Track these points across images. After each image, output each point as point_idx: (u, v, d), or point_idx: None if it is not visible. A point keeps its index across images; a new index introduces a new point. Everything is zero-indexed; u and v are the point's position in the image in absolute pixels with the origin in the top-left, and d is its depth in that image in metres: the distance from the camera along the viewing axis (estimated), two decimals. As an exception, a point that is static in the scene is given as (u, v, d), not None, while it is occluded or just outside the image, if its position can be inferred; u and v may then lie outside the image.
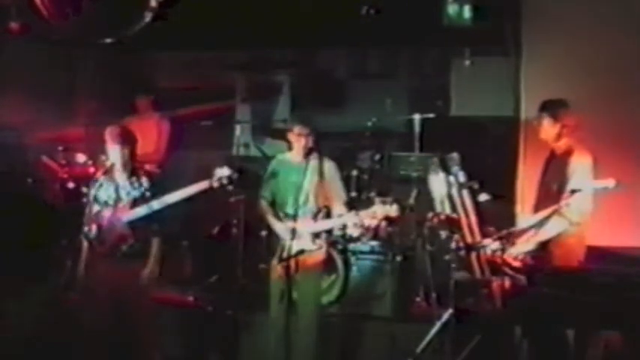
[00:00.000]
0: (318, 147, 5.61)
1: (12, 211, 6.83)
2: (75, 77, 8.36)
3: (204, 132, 8.07)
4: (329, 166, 5.62)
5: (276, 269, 5.48)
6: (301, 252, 5.39)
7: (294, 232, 5.43)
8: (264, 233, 5.71)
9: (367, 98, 7.93)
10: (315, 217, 5.52)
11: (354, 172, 7.02)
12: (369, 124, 7.27)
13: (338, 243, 6.29)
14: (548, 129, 5.30)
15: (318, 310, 5.64)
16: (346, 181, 6.73)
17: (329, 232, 5.70)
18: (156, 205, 5.27)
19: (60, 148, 7.33)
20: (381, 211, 5.32)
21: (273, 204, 5.65)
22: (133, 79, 8.18)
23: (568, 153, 5.23)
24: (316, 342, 5.52)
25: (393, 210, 5.31)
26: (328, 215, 5.54)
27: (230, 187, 5.32)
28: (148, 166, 6.39)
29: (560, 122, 5.26)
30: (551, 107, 5.32)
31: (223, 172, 5.25)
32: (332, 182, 5.61)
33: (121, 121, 6.33)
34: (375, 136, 7.28)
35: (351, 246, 6.44)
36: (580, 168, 5.12)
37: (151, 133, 7.50)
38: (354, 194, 6.80)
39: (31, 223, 6.94)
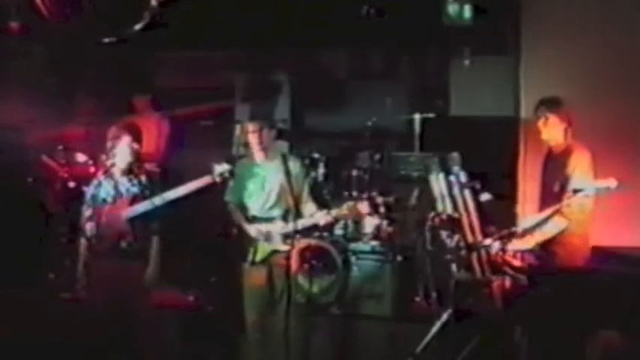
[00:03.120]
0: (274, 143, 5.58)
1: (12, 210, 6.86)
2: (74, 77, 8.34)
3: (204, 132, 8.10)
4: (294, 164, 5.52)
5: (249, 272, 5.47)
6: (274, 253, 5.36)
7: (264, 234, 5.40)
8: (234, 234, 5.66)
9: (367, 98, 7.90)
10: (284, 217, 5.45)
11: (355, 172, 7.01)
12: (369, 123, 7.25)
13: (338, 242, 6.28)
14: (553, 127, 5.28)
15: (296, 310, 5.48)
16: (347, 180, 6.94)
17: (329, 231, 5.67)
18: (157, 201, 5.25)
19: (60, 147, 7.32)
20: (353, 208, 5.34)
21: (241, 206, 5.59)
22: (132, 78, 8.15)
23: (568, 152, 5.22)
24: (302, 344, 5.50)
25: (363, 207, 5.33)
26: (299, 215, 5.44)
27: (230, 183, 5.32)
28: (148, 165, 6.31)
29: (565, 121, 5.26)
30: (557, 105, 5.30)
31: (224, 167, 5.25)
32: (299, 180, 5.51)
33: (121, 121, 6.31)
34: (374, 136, 7.25)
35: (352, 246, 6.44)
36: (580, 167, 5.12)
37: (151, 132, 7.47)
38: (355, 194, 6.82)
39: (30, 222, 7.00)
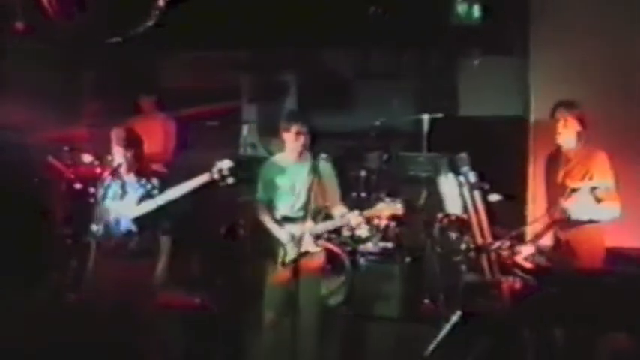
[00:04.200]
0: (312, 146, 5.54)
1: (17, 211, 6.84)
2: (79, 77, 8.34)
3: (211, 132, 8.09)
4: (325, 165, 5.51)
5: (277, 274, 5.44)
6: (304, 254, 5.32)
7: (294, 235, 5.38)
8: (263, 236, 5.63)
9: (374, 98, 7.88)
10: (314, 218, 5.44)
11: (363, 173, 7.01)
12: (377, 124, 7.23)
13: (347, 244, 6.27)
14: (571, 129, 5.28)
15: (320, 312, 5.55)
16: (355, 181, 6.92)
17: (337, 232, 5.69)
18: (160, 201, 5.28)
19: (66, 148, 7.33)
20: (386, 209, 5.27)
21: (270, 206, 5.58)
22: (137, 79, 8.11)
23: (585, 155, 5.24)
24: (319, 345, 5.47)
25: (398, 208, 5.26)
26: (328, 216, 5.48)
27: (231, 180, 5.25)
28: (155, 166, 6.40)
29: (582, 122, 5.27)
30: (575, 107, 5.29)
31: (224, 164, 5.23)
32: (329, 182, 5.52)
33: (126, 122, 6.33)
34: (382, 137, 7.25)
35: (360, 247, 6.43)
36: (600, 171, 5.13)
37: (157, 133, 7.49)
38: (363, 195, 6.83)
39: (35, 223, 6.97)
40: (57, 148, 7.35)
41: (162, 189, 5.37)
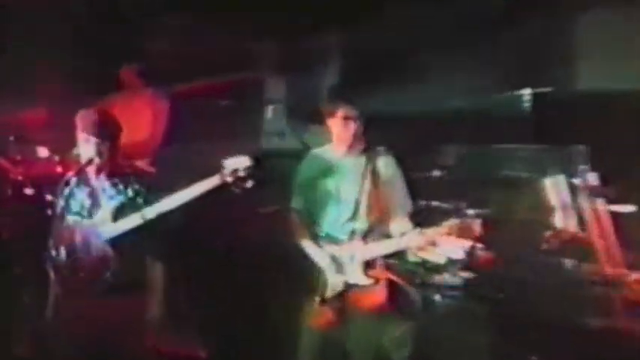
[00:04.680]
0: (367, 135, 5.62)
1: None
2: (33, 37, 8.30)
3: (219, 115, 8.05)
4: (385, 162, 5.60)
5: (315, 315, 5.49)
6: (353, 287, 5.39)
7: (340, 260, 5.44)
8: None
9: (449, 68, 7.61)
10: (367, 236, 5.47)
11: (435, 173, 7.02)
12: (453, 105, 7.14)
13: (415, 273, 6.27)
14: None
15: None
16: (423, 185, 6.77)
17: (401, 257, 5.65)
18: (148, 213, 5.25)
19: (11, 138, 7.33)
20: (462, 226, 5.23)
21: (308, 219, 5.67)
22: (117, 44, 8.11)
23: None
24: None
25: (475, 225, 5.23)
26: (385, 233, 5.51)
27: (249, 184, 5.23)
28: (138, 163, 6.30)
29: None
30: None
31: (240, 162, 5.23)
32: (390, 185, 5.58)
33: (100, 102, 6.57)
34: (462, 122, 7.08)
35: (434, 278, 6.47)
36: None
37: (142, 116, 7.57)
38: (435, 203, 6.79)
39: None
40: (-1, 137, 7.31)
41: (149, 197, 5.35)
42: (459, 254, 6.44)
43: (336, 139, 5.60)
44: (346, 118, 5.51)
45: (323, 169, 5.66)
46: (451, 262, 6.49)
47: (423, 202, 6.78)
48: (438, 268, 6.47)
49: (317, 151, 5.82)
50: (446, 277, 6.53)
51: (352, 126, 5.53)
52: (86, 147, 5.36)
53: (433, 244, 5.62)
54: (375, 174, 5.48)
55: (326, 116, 5.59)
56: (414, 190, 6.65)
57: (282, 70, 8.38)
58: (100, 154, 5.35)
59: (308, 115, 7.85)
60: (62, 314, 5.29)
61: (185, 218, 5.35)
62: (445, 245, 6.12)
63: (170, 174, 6.93)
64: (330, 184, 5.61)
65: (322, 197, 5.62)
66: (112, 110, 5.67)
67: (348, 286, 5.38)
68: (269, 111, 7.88)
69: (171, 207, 5.24)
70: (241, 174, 5.20)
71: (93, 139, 5.34)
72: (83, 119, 5.39)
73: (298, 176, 5.75)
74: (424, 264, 6.44)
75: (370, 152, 5.58)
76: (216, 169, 5.26)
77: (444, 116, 7.19)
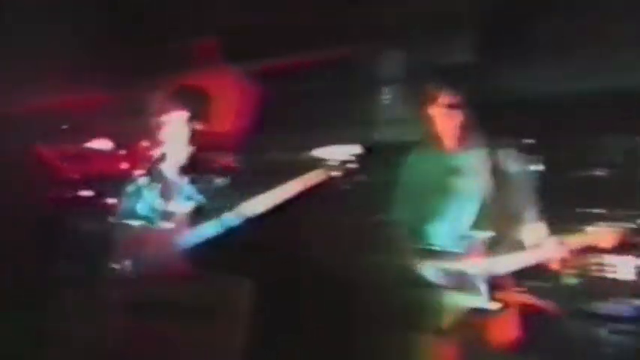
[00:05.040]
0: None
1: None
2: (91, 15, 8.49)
3: (318, 98, 8.09)
4: (511, 157, 5.69)
5: (430, 348, 5.56)
6: (474, 314, 5.46)
7: (457, 279, 5.55)
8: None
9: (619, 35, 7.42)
10: (492, 249, 5.56)
11: (598, 172, 6.93)
12: (623, 84, 6.95)
13: (563, 296, 6.20)
14: None
15: None
16: (581, 187, 6.81)
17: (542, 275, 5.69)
18: (231, 219, 5.45)
19: (64, 126, 7.53)
20: (594, 235, 5.42)
21: (415, 232, 5.77)
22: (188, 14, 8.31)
23: None
24: None
25: (617, 233, 5.34)
26: (515, 244, 5.57)
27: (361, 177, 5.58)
28: (220, 156, 6.47)
29: None
30: None
31: (346, 152, 5.49)
32: (514, 186, 5.65)
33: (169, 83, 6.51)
34: (634, 107, 6.99)
35: (599, 307, 6.33)
36: None
37: (224, 101, 7.52)
38: (596, 210, 6.68)
39: (13, 254, 7.13)
40: (48, 126, 7.55)
41: (233, 198, 5.53)
42: (628, 272, 6.42)
43: (440, 133, 5.71)
44: (449, 106, 5.62)
45: (430, 170, 5.77)
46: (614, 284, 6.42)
47: (578, 209, 6.73)
48: (611, 291, 6.37)
49: (421, 148, 5.89)
50: (609, 305, 6.43)
51: (458, 115, 5.63)
52: (173, 127, 5.58)
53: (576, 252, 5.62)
54: (498, 172, 5.58)
55: (428, 104, 5.71)
56: (573, 194, 6.77)
57: (398, 42, 8.31)
58: (191, 137, 5.57)
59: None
60: (128, 340, 5.39)
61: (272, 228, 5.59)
62: (609, 259, 6.31)
63: (258, 170, 7.07)
64: (440, 185, 5.72)
65: (432, 202, 5.73)
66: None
67: (471, 313, 5.45)
68: (383, 93, 7.90)
69: (260, 211, 5.42)
70: (351, 165, 5.39)
71: (185, 113, 5.56)
72: (165, 98, 5.62)
73: (400, 181, 5.86)
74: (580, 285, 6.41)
75: (489, 146, 5.64)
76: (313, 163, 5.48)
77: (609, 100, 7.02)
